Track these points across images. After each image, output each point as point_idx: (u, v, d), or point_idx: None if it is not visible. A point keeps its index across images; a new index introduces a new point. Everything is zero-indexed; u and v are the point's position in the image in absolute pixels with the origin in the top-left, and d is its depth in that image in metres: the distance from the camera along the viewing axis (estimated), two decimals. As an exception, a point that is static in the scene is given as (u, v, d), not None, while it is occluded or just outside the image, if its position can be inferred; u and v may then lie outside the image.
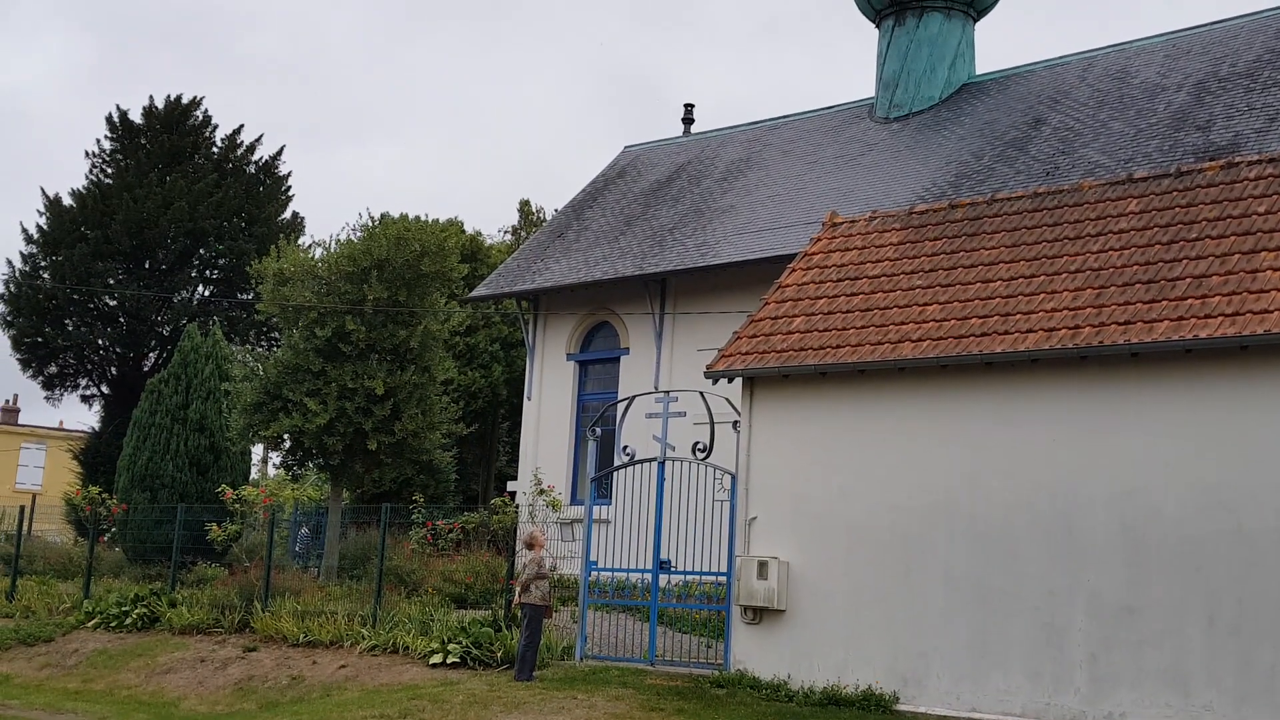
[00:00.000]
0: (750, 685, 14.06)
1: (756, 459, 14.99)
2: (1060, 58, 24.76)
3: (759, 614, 14.48)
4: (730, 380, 15.52)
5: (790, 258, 18.43)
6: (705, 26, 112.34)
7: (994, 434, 13.37)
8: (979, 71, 26.14)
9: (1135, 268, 13.54)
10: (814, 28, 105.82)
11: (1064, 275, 14.00)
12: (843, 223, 17.53)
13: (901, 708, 13.24)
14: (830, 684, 13.70)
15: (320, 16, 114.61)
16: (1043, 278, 14.16)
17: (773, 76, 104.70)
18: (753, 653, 14.51)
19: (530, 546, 15.65)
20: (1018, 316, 13.67)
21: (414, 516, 22.28)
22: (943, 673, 13.19)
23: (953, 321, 14.11)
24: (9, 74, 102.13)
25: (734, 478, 15.24)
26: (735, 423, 15.53)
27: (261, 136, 41.50)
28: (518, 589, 15.21)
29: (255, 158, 41.39)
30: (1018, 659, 12.76)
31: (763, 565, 14.37)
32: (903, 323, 14.57)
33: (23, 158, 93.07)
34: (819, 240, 17.25)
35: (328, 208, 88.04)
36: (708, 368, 15.61)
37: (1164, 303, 12.74)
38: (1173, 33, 23.41)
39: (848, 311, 15.34)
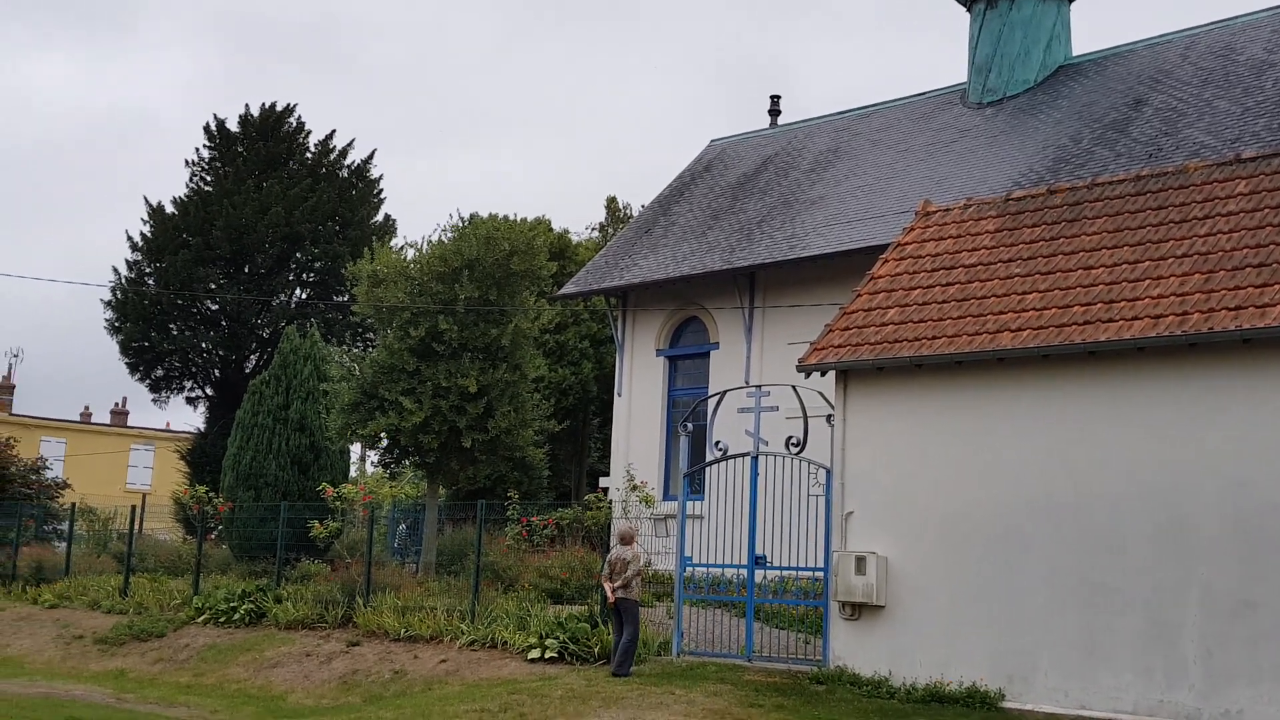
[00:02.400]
0: (850, 682, 13.93)
1: (852, 453, 14.84)
2: (1161, 36, 24.10)
3: (858, 610, 14.34)
4: (823, 374, 15.37)
5: (882, 248, 18.23)
6: (820, 17, 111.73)
7: (1098, 425, 13.08)
8: (1075, 53, 25.57)
9: (1245, 250, 13.14)
10: (907, 15, 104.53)
11: (1170, 260, 13.64)
12: (936, 211, 17.27)
13: (1007, 705, 13.02)
14: (933, 681, 13.52)
15: (437, 24, 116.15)
16: (1148, 263, 13.81)
17: (874, 66, 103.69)
18: (852, 649, 14.37)
19: (627, 542, 15.64)
20: (1122, 304, 13.36)
21: (509, 513, 22.44)
22: (1049, 669, 12.94)
23: (1054, 310, 13.83)
24: (138, 86, 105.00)
25: (829, 472, 15.11)
26: (829, 416, 15.39)
27: (353, 141, 42.06)
28: (618, 584, 15.15)
29: (348, 162, 42.03)
30: (1127, 655, 12.48)
31: (861, 560, 14.22)
32: (1001, 312, 14.31)
33: (151, 169, 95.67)
34: (912, 230, 17.02)
35: (420, 210, 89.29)
36: (800, 361, 15.48)
37: (1276, 286, 12.36)
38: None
39: (943, 302, 15.10)
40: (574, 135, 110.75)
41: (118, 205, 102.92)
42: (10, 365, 55.08)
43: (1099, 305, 13.57)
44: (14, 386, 54.68)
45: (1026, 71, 25.06)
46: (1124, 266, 14.05)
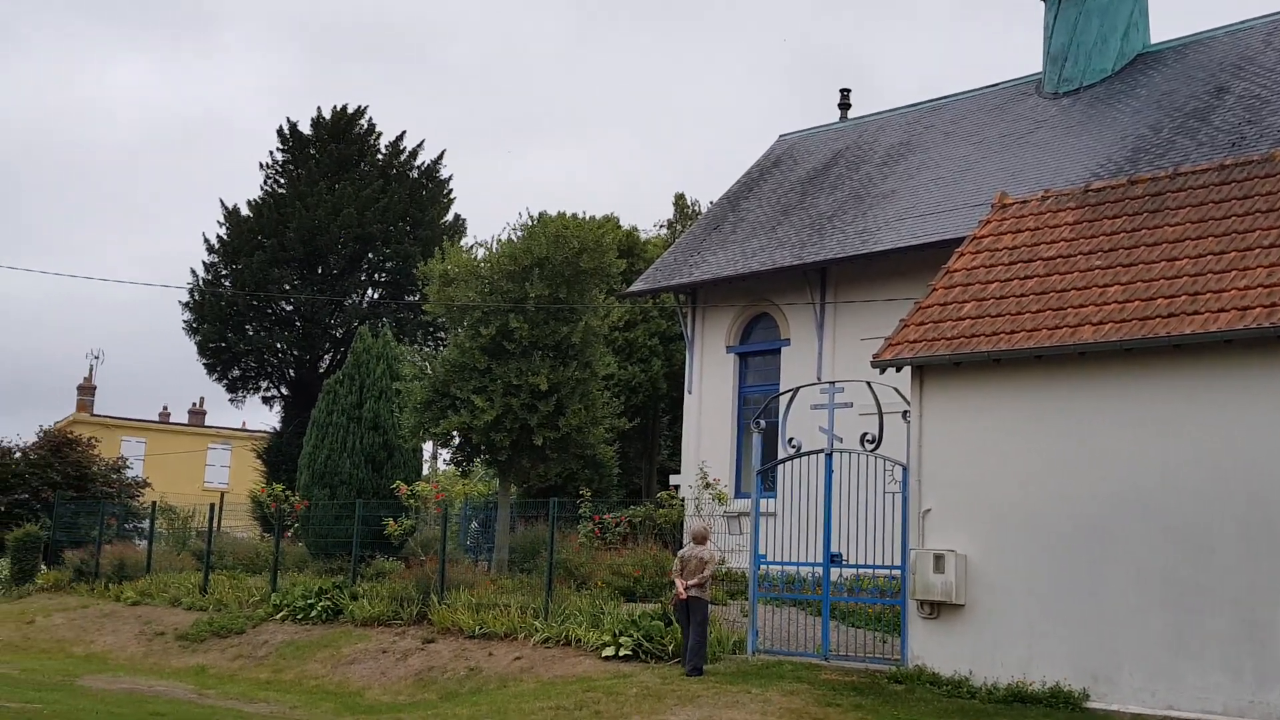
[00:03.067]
0: (930, 681, 13.75)
1: (929, 449, 14.64)
2: (1243, 22, 23.54)
3: (936, 608, 14.15)
4: (898, 369, 15.18)
5: (957, 242, 17.97)
6: (894, 9, 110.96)
7: (1184, 420, 12.79)
8: (1154, 41, 25.05)
9: (1334, 240, 12.78)
10: (982, 5, 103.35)
11: (1257, 250, 13.30)
12: (1013, 203, 17.00)
13: (1092, 705, 12.78)
14: (1015, 681, 13.30)
15: (512, 23, 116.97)
16: (1234, 254, 13.47)
17: (949, 59, 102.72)
18: (931, 648, 14.18)
19: (700, 540, 15.55)
20: (1208, 295, 13.05)
21: (581, 510, 22.45)
22: (1135, 669, 12.67)
23: (1136, 303, 13.54)
24: (218, 91, 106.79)
25: (905, 469, 14.93)
26: (905, 413, 15.20)
27: (423, 142, 42.41)
28: (691, 582, 15.04)
29: (418, 163, 42.38)
30: (1216, 655, 12.18)
31: (939, 558, 14.03)
32: (1082, 305, 14.04)
33: (231, 173, 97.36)
34: (988, 223, 16.76)
35: (491, 209, 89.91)
36: (875, 357, 15.31)
37: (1368, 276, 12.00)
38: (1365, -10, 22.08)
39: (1021, 295, 14.86)
40: (643, 133, 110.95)
41: (198, 208, 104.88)
42: (91, 367, 56.27)
43: (1183, 297, 13.28)
44: (95, 388, 55.78)
45: (1104, 60, 24.60)
46: (1209, 258, 13.72)
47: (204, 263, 41.11)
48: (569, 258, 22.14)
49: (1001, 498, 13.97)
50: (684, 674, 14.64)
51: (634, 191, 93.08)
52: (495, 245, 22.85)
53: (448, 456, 27.50)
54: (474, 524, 26.52)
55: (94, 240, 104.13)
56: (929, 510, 14.49)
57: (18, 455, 35.51)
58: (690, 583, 14.99)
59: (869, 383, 16.02)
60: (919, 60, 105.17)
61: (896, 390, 15.51)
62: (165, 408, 59.32)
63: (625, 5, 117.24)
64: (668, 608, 16.62)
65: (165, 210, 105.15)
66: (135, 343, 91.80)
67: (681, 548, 15.73)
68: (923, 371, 14.81)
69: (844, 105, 29.76)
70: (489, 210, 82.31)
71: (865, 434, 15.53)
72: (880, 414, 15.74)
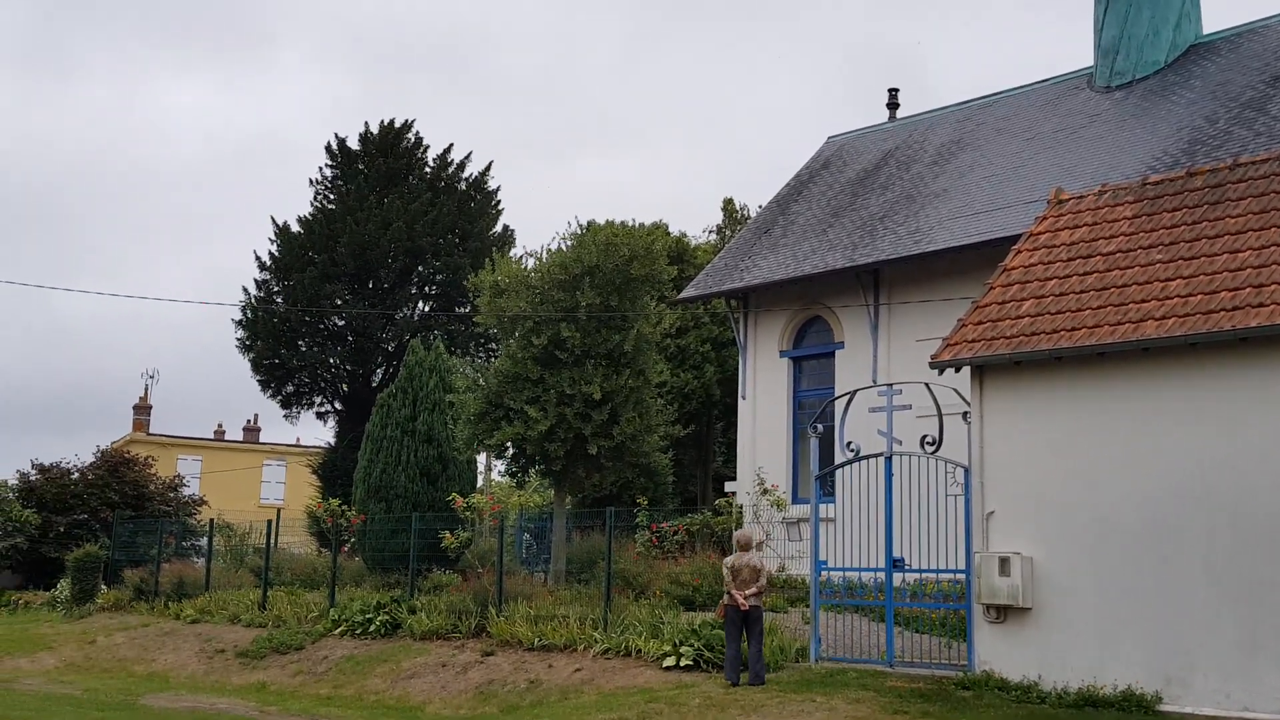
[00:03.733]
0: (998, 687, 13.50)
1: (991, 450, 14.40)
2: (1298, 8, 23.10)
3: (1003, 612, 13.89)
4: (957, 370, 14.95)
5: (1012, 240, 17.73)
6: (945, 10, 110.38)
7: (1253, 415, 12.48)
8: (1206, 31, 24.62)
9: (1407, 227, 12.42)
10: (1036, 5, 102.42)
11: (1324, 240, 12.96)
12: (1069, 199, 16.72)
13: (1165, 708, 12.48)
14: (1085, 685, 13.03)
15: (562, 35, 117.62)
16: (1300, 244, 13.14)
17: (1000, 56, 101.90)
18: (998, 653, 13.93)
19: (747, 547, 15.33)
20: (1273, 287, 12.74)
21: (637, 519, 22.33)
22: (1209, 671, 12.37)
23: (1199, 296, 13.25)
24: (274, 110, 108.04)
25: (967, 471, 14.69)
26: (965, 414, 14.97)
27: (470, 154, 42.79)
28: (751, 592, 14.85)
29: (465, 175, 42.53)
30: (1294, 655, 11.86)
31: (1004, 561, 13.78)
32: (1144, 300, 13.76)
33: (287, 190, 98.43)
34: (1045, 219, 16.49)
35: (543, 220, 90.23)
36: (933, 358, 15.08)
37: None
38: None
39: (1081, 292, 14.59)
40: (694, 140, 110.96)
41: (255, 226, 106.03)
42: (147, 386, 56.90)
43: (1248, 290, 12.97)
44: (151, 407, 56.39)
45: (1156, 52, 24.21)
46: (1273, 249, 13.40)
47: (256, 280, 41.52)
48: (619, 265, 22.06)
49: (1067, 498, 13.71)
50: (729, 684, 14.42)
51: (684, 198, 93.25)
52: (545, 255, 22.82)
53: (502, 468, 27.46)
54: (525, 535, 26.46)
55: (153, 261, 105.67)
56: (992, 512, 14.24)
57: (76, 476, 35.99)
58: (749, 592, 14.80)
59: (927, 384, 15.80)
60: (973, 59, 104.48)
61: (956, 391, 15.28)
62: (220, 425, 59.93)
63: (678, 13, 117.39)
64: (717, 618, 16.42)
65: (223, 229, 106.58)
66: (191, 361, 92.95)
67: (728, 555, 15.42)
68: (982, 371, 14.57)
69: (892, 105, 29.51)
70: (542, 220, 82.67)
71: (925, 436, 15.31)
72: (940, 416, 15.51)
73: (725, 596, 14.91)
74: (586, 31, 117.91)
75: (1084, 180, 20.16)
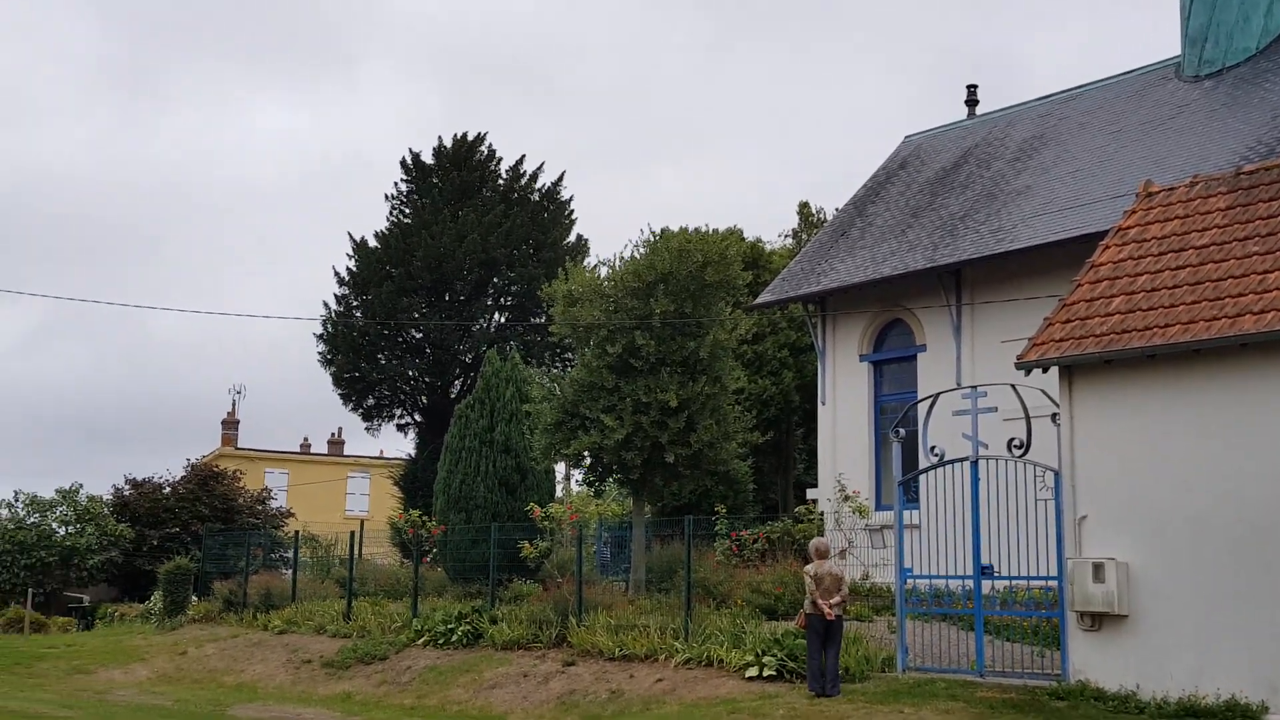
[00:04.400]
0: (1094, 697, 13.06)
1: (1081, 453, 13.96)
2: (1395, -11, 22.25)
3: (1098, 619, 13.44)
4: (1045, 370, 14.53)
5: (1098, 236, 17.24)
6: (1026, 7, 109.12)
7: (1361, 411, 11.93)
8: (1299, 15, 23.81)
9: None
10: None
11: None
12: (1159, 191, 16.20)
13: (1273, 718, 11.95)
14: (1186, 694, 12.56)
15: (641, 45, 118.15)
16: (1407, 231, 12.56)
17: (1085, 50, 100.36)
18: (1093, 661, 13.48)
19: (826, 556, 15.02)
20: (1380, 277, 12.18)
21: (717, 527, 22.06)
22: (1319, 680, 11.84)
23: (1301, 289, 12.71)
24: (357, 127, 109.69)
25: (1057, 474, 14.25)
26: (1054, 415, 14.53)
27: (543, 164, 42.65)
28: (836, 601, 14.52)
29: (538, 185, 42.61)
30: None
31: (1098, 567, 13.33)
32: (1240, 294, 13.25)
33: (370, 206, 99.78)
34: (1134, 213, 15.99)
35: (618, 229, 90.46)
36: (1019, 358, 14.67)
37: None
38: None
39: (1174, 287, 14.10)
40: (770, 145, 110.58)
41: (338, 243, 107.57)
42: (234, 401, 57.80)
43: (1353, 280, 12.42)
44: (238, 422, 57.27)
45: (1246, 39, 23.43)
46: (1379, 237, 12.83)
47: (335, 295, 41.93)
48: (693, 272, 21.82)
49: (1162, 501, 13.24)
50: (812, 695, 14.11)
51: (760, 203, 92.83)
52: (618, 263, 22.68)
53: (580, 477, 27.38)
54: (598, 545, 26.31)
55: (242, 280, 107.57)
56: (1084, 517, 13.80)
57: (167, 490, 36.64)
58: (834, 601, 14.48)
59: (1013, 385, 15.38)
60: (1058, 54, 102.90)
61: (1044, 392, 14.85)
62: (306, 439, 60.72)
63: (759, 18, 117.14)
64: (798, 628, 16.09)
65: (309, 246, 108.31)
66: (278, 377, 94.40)
67: (808, 564, 15.01)
68: (1071, 371, 14.14)
69: (971, 102, 28.96)
70: (621, 230, 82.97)
71: (1012, 439, 14.88)
72: (1027, 418, 15.08)
73: (807, 605, 14.58)
74: (666, 40, 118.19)
75: (1173, 173, 19.56)
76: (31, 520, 34.76)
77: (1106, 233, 16.33)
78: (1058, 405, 14.39)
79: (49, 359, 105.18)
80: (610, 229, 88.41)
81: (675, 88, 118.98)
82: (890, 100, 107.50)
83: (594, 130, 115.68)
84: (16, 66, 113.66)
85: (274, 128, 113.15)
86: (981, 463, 15.22)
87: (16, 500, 35.62)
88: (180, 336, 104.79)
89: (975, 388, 16.13)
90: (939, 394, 16.95)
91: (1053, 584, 14.52)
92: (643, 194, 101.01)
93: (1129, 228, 15.69)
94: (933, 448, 15.82)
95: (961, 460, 15.40)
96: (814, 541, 15.44)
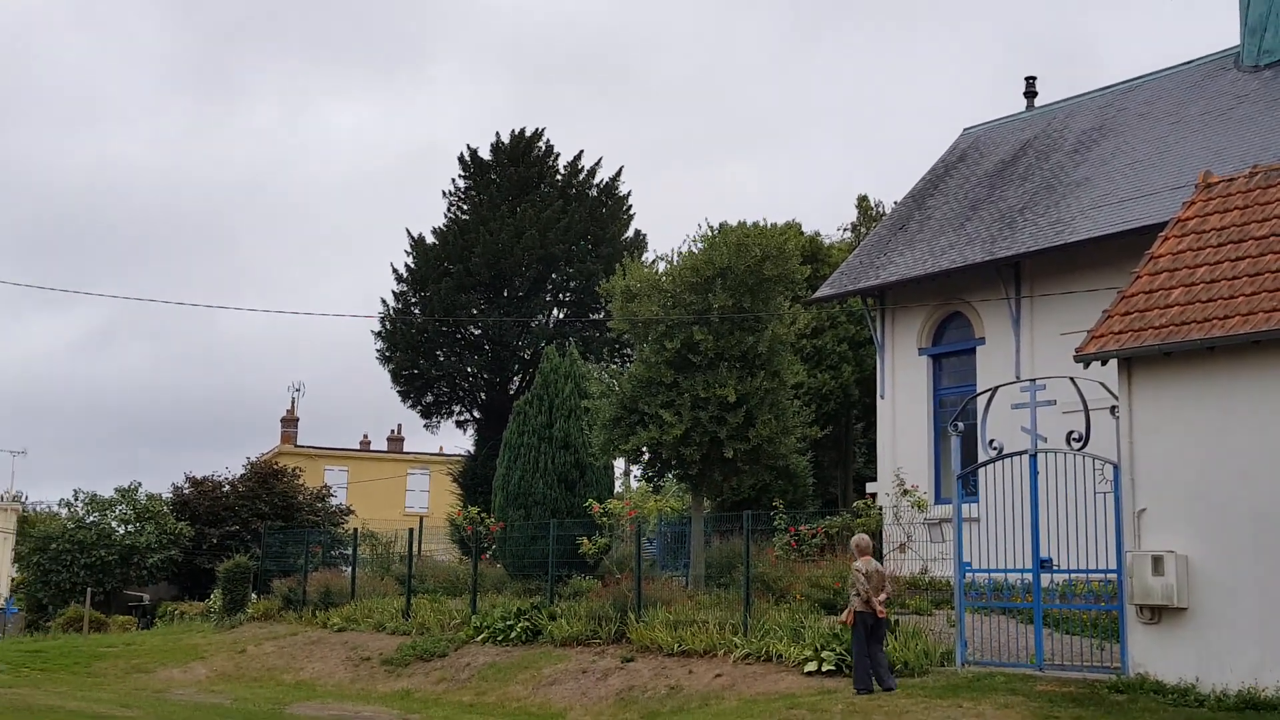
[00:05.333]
0: (1153, 690, 12.96)
1: (1141, 445, 13.84)
2: None
3: (1157, 613, 13.33)
4: (1104, 363, 14.42)
5: (1158, 227, 17.07)
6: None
7: None
8: (1363, 1, 23.39)
9: None
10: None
11: None
12: (1219, 182, 16.00)
13: (1336, 714, 11.82)
14: (1246, 687, 12.44)
15: (717, 38, 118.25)
16: None
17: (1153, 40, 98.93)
18: (1153, 654, 13.37)
19: (868, 552, 15.01)
20: None
21: (776, 522, 22.07)
22: (1385, 674, 11.67)
23: (1364, 278, 12.52)
24: (429, 124, 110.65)
25: (1116, 467, 14.14)
26: (1113, 408, 14.43)
27: (601, 160, 42.75)
28: (882, 598, 14.53)
29: (596, 181, 42.75)
30: None
31: (1158, 560, 13.22)
32: (1302, 285, 13.07)
33: (438, 204, 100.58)
34: (1193, 204, 15.81)
35: (679, 225, 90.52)
36: (1077, 351, 14.57)
37: None
38: None
39: (1234, 278, 13.94)
40: (835, 140, 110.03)
41: (403, 239, 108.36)
42: (293, 399, 58.44)
43: None
44: (298, 419, 57.90)
45: (1308, 27, 23.07)
46: None
47: (394, 292, 42.29)
48: (751, 266, 21.84)
49: (1223, 493, 13.11)
50: (863, 693, 14.09)
51: (827, 197, 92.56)
52: (676, 258, 22.74)
53: (639, 472, 27.50)
54: (649, 540, 26.36)
55: (312, 278, 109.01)
56: (1144, 510, 13.69)
57: (227, 489, 37.07)
58: (881, 598, 14.51)
59: (1072, 378, 15.27)
60: (1124, 45, 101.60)
61: (1103, 385, 14.74)
62: (366, 436, 61.26)
63: (832, 13, 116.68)
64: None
65: (378, 244, 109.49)
66: (340, 375, 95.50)
67: (855, 561, 14.95)
68: (1130, 364, 14.02)
69: (1030, 94, 28.72)
70: (682, 225, 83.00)
71: (1071, 432, 14.79)
72: (1086, 410, 14.96)
73: (857, 603, 14.49)
74: (739, 34, 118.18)
75: (1233, 164, 19.31)
76: (91, 519, 35.19)
77: (1166, 224, 16.17)
78: (1116, 398, 14.28)
79: (114, 358, 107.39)
80: (680, 224, 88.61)
81: (751, 81, 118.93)
82: (964, 92, 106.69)
83: (665, 125, 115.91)
84: (90, 67, 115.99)
85: (347, 125, 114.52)
86: (1040, 456, 15.13)
87: (76, 499, 36.08)
88: (246, 335, 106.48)
89: (1034, 381, 16.02)
90: (997, 387, 16.88)
91: (1112, 577, 14.41)
92: (715, 189, 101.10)
93: (1188, 219, 15.52)
94: (991, 441, 15.75)
95: (1020, 453, 15.32)
96: (857, 538, 15.40)
